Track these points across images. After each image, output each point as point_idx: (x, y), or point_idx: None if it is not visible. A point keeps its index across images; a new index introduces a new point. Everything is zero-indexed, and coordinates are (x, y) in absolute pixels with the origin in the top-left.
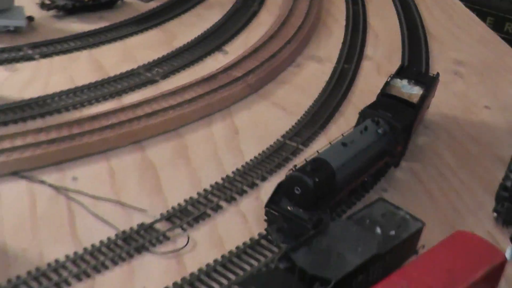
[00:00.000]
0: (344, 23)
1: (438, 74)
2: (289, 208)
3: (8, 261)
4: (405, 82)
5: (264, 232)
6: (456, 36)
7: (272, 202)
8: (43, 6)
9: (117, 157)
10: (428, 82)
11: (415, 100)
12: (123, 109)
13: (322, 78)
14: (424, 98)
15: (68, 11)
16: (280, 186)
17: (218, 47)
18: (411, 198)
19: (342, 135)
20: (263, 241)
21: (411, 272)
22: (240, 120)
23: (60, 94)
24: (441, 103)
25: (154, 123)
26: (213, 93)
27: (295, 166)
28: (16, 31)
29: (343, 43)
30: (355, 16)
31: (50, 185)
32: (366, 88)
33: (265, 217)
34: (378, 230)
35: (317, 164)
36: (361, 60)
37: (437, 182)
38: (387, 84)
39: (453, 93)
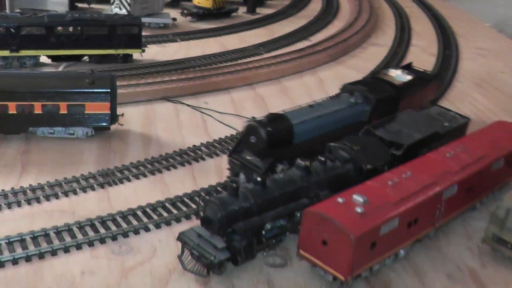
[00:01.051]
0: (394, 28)
1: (438, 74)
2: (248, 157)
3: (161, 145)
4: (399, 72)
5: None
6: (477, 35)
7: (234, 152)
8: (182, 13)
9: (236, 92)
10: (425, 77)
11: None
12: (240, 64)
13: (382, 54)
14: (411, 85)
15: (199, 17)
16: (241, 138)
17: (304, 37)
18: None
19: (315, 101)
20: None
21: (464, 141)
22: (324, 75)
23: (196, 58)
24: (472, 69)
25: (262, 72)
26: (303, 58)
27: (253, 117)
28: (164, 27)
29: (395, 37)
30: (402, 24)
31: (189, 105)
32: (414, 61)
33: (228, 166)
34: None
35: (274, 117)
36: (409, 46)
37: (471, 110)
38: (379, 71)
39: (478, 64)
